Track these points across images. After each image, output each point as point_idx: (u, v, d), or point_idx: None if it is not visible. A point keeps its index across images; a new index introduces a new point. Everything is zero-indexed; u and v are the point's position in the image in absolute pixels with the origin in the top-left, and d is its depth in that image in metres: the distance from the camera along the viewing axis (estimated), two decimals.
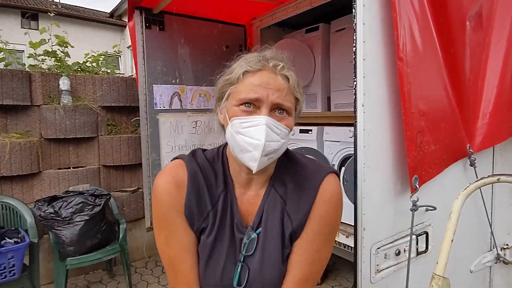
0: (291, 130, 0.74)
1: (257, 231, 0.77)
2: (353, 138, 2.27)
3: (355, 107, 0.92)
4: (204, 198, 0.77)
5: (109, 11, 13.05)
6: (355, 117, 0.92)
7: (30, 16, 10.62)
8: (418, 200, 1.00)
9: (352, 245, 2.11)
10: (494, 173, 1.45)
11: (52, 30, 3.07)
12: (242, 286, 0.75)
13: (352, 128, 2.15)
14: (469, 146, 1.23)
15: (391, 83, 0.98)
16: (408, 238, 1.05)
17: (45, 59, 3.01)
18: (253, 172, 0.72)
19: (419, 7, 0.99)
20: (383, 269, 1.02)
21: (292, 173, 0.80)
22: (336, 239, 2.20)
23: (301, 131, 2.54)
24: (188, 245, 0.77)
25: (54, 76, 2.64)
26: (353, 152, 2.24)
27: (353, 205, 2.06)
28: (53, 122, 2.53)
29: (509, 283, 1.52)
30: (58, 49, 3.04)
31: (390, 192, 1.03)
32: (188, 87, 2.71)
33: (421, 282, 1.08)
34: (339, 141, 2.31)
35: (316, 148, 2.42)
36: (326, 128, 2.39)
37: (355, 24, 0.89)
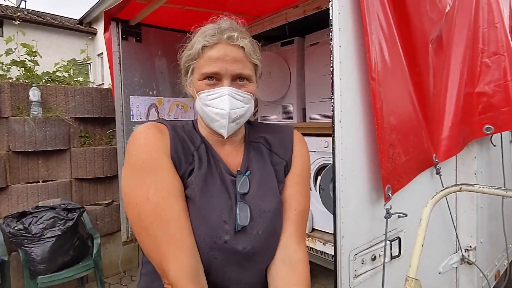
0: (254, 95, 0.79)
1: (247, 173, 0.79)
2: (328, 148, 2.35)
3: (333, 122, 0.98)
4: (186, 142, 0.78)
5: (77, 18, 12.66)
6: (333, 132, 0.99)
7: None
8: (391, 208, 1.07)
9: (329, 252, 2.18)
10: (457, 181, 1.58)
11: (19, 38, 2.95)
12: (246, 225, 0.73)
13: (327, 139, 2.26)
14: (434, 156, 1.33)
15: (365, 100, 1.06)
16: (383, 243, 1.12)
17: (11, 67, 2.88)
18: (225, 138, 0.77)
19: (388, 31, 1.08)
20: (361, 274, 1.08)
21: (263, 130, 0.89)
22: (312, 246, 2.26)
23: None
24: (177, 188, 0.72)
25: (23, 87, 2.54)
26: (328, 162, 2.32)
27: (329, 213, 2.14)
28: (22, 135, 2.42)
29: (473, 282, 1.65)
30: (26, 58, 2.92)
31: (366, 201, 1.10)
32: (166, 99, 2.70)
33: (396, 284, 1.15)
34: (314, 151, 2.39)
35: None
36: None
37: (332, 46, 0.96)
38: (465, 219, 1.63)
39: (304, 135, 2.60)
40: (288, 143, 0.86)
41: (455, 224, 1.55)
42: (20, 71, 2.83)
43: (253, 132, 0.89)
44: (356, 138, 1.05)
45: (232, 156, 0.83)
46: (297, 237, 0.79)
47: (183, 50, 0.82)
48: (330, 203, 2.15)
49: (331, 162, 2.17)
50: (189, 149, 0.78)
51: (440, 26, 1.32)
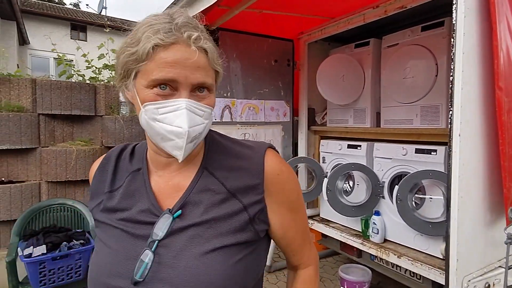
0: (213, 108, 0.66)
1: (175, 215, 0.63)
2: (406, 156, 2.20)
3: (450, 136, 0.91)
4: (105, 179, 0.72)
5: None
6: (449, 147, 0.91)
7: (79, 28, 11.42)
8: None
9: (404, 266, 2.05)
10: None
11: (100, 41, 3.27)
12: (142, 281, 0.60)
13: (405, 146, 2.12)
14: None
15: (487, 112, 0.96)
16: (498, 271, 1.01)
17: (102, 70, 3.22)
18: (179, 161, 0.63)
19: None
20: None
21: (225, 152, 0.71)
22: (385, 257, 2.14)
23: (349, 146, 2.51)
24: None
25: (114, 88, 2.81)
26: (406, 171, 2.17)
27: (406, 225, 2.00)
28: (113, 132, 2.68)
29: None
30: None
31: (481, 223, 1.00)
32: (239, 101, 2.77)
33: None
34: (390, 158, 2.26)
35: (365, 164, 2.38)
36: (376, 144, 2.35)
37: (454, 53, 0.88)
38: None
39: (379, 141, 2.47)
40: (256, 180, 0.66)
41: None
42: (111, 74, 3.14)
43: (212, 153, 0.70)
44: (474, 153, 0.96)
45: (171, 189, 0.68)
46: (309, 259, 0.76)
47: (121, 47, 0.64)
48: (409, 215, 2.03)
49: (409, 171, 2.06)
50: (103, 188, 0.72)
51: None
